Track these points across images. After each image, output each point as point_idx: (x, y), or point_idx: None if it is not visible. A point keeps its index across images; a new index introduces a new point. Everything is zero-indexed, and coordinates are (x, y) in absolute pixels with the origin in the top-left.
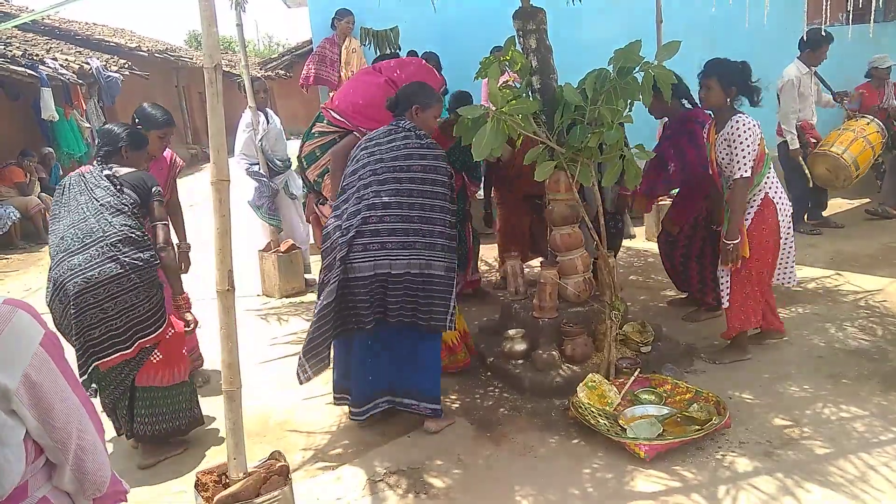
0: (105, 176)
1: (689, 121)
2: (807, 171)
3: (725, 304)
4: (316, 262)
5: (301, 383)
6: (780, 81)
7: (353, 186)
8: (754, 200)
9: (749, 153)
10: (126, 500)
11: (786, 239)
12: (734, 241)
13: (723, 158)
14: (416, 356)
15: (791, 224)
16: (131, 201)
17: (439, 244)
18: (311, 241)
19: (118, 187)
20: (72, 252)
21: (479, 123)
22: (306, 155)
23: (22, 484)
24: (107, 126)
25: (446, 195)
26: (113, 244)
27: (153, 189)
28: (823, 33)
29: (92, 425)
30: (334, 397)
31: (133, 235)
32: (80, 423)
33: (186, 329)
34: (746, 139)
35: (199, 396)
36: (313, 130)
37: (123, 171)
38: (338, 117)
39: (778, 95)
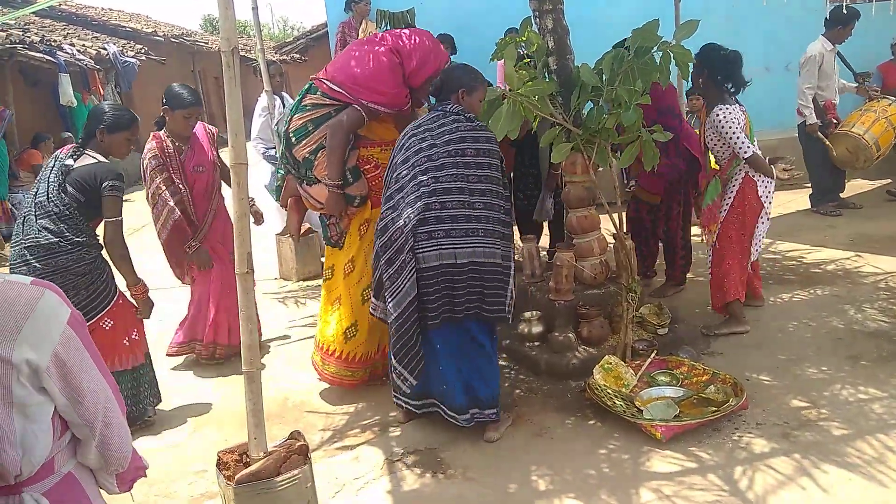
0: (60, 168)
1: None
2: (828, 144)
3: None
4: None
5: (406, 393)
6: (804, 57)
7: (408, 175)
8: (736, 179)
9: (740, 135)
10: (145, 476)
11: (767, 216)
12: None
13: (713, 143)
14: (476, 357)
15: (772, 200)
16: (67, 201)
17: (498, 231)
18: (281, 230)
19: (61, 185)
20: (12, 245)
21: (495, 105)
22: (296, 129)
23: (49, 460)
24: (98, 106)
25: (500, 180)
26: (26, 248)
27: (104, 184)
28: (846, 9)
29: (116, 403)
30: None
31: (45, 242)
32: (107, 400)
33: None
34: (731, 126)
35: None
36: (304, 103)
37: (86, 162)
38: (335, 88)
39: (800, 72)
